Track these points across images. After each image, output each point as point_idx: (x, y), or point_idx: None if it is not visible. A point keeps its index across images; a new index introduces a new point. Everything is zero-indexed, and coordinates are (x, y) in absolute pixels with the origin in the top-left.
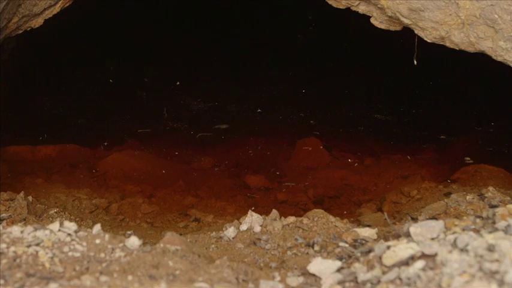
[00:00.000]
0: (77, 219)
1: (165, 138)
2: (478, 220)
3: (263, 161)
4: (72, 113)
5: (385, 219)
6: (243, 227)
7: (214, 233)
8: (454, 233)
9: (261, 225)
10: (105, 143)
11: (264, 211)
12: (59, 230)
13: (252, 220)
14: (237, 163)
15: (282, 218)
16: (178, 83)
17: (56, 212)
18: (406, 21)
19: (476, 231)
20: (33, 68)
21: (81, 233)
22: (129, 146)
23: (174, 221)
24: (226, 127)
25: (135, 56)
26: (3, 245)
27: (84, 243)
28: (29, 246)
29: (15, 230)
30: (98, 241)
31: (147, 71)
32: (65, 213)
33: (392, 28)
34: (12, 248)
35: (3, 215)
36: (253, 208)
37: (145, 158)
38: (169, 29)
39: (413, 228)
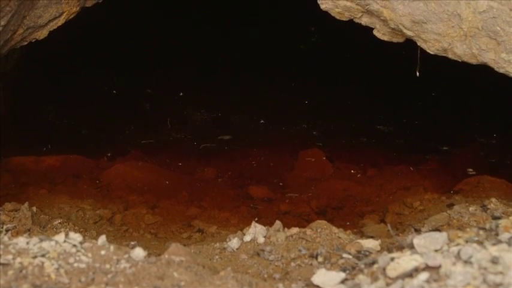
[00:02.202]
0: (81, 229)
1: (168, 149)
2: (481, 232)
3: (266, 171)
4: (75, 123)
5: (388, 230)
6: (247, 238)
7: (218, 244)
8: (458, 244)
9: (265, 236)
10: (109, 154)
11: (267, 222)
12: (65, 241)
13: (256, 231)
14: (240, 174)
15: (286, 229)
16: (181, 93)
17: (60, 223)
18: (408, 33)
19: (480, 243)
20: (37, 78)
21: (86, 244)
22: (132, 156)
23: (178, 231)
24: (229, 138)
25: (138, 66)
26: (10, 256)
27: (90, 255)
28: (34, 257)
29: (21, 241)
30: (103, 252)
31: (150, 81)
32: (69, 224)
33: (395, 40)
34: (18, 259)
35: (8, 225)
36: (256, 219)
37: (149, 168)
38: (172, 40)
39: (417, 240)
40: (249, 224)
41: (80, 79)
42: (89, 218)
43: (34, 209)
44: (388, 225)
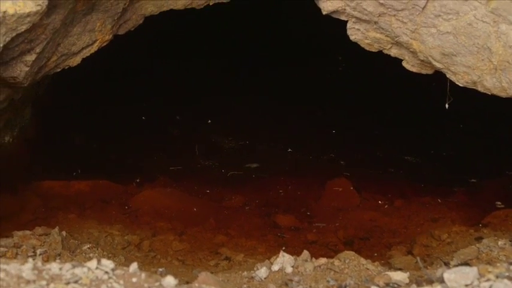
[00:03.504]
0: (110, 255)
1: (196, 176)
2: (511, 267)
3: (293, 200)
4: (105, 148)
5: (417, 262)
6: (275, 268)
7: (245, 272)
8: (488, 280)
9: (293, 266)
10: (137, 180)
11: (294, 251)
12: (97, 268)
13: (284, 261)
14: (267, 202)
15: (313, 259)
16: (209, 121)
17: (89, 248)
18: (438, 65)
19: (510, 278)
20: (68, 103)
21: (118, 271)
22: (160, 183)
23: (205, 259)
24: (257, 166)
25: (167, 93)
26: (43, 282)
27: (121, 282)
28: (67, 283)
29: (54, 266)
30: (134, 280)
31: (179, 108)
32: (97, 249)
33: (423, 71)
34: (52, 285)
35: (39, 250)
36: (283, 248)
37: (177, 195)
38: (201, 68)
39: (447, 274)
40: (276, 253)
41: (110, 105)
42: (118, 244)
43: (64, 233)
44: (418, 258)
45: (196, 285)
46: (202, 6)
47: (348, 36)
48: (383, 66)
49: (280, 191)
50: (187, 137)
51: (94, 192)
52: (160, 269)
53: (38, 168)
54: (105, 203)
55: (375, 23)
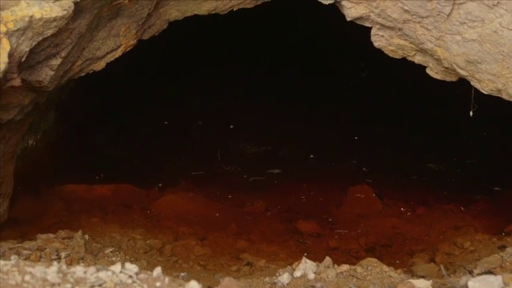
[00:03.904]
0: (132, 259)
1: (218, 181)
2: None
3: (315, 206)
4: (127, 153)
5: (439, 270)
6: (297, 274)
7: (267, 278)
8: None
9: (315, 272)
10: (159, 184)
11: (315, 257)
12: (121, 272)
13: (306, 267)
14: (289, 208)
15: (335, 265)
16: (231, 126)
17: (111, 252)
18: (462, 72)
19: None
20: (91, 107)
21: (141, 275)
22: (182, 187)
23: (227, 264)
24: (279, 172)
25: (189, 98)
26: (68, 285)
27: (145, 286)
28: (92, 286)
29: (79, 270)
30: (158, 284)
31: (201, 113)
32: (120, 253)
33: (448, 79)
34: None
35: (62, 253)
36: (305, 254)
37: (198, 200)
38: (224, 73)
39: (472, 283)
40: (297, 259)
41: (132, 109)
42: (140, 248)
43: (86, 237)
44: (441, 266)
45: None
46: (226, 12)
47: (371, 43)
48: (406, 72)
49: (302, 197)
50: (209, 142)
51: (116, 196)
52: (182, 274)
53: (60, 172)
54: (127, 207)
55: (399, 29)
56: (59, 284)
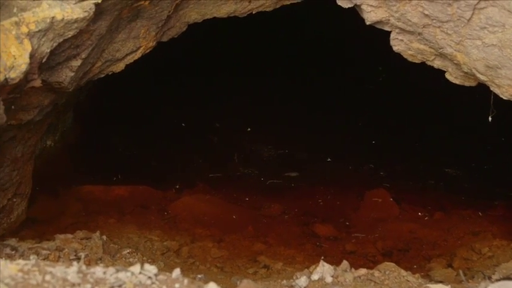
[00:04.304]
0: (149, 260)
1: (235, 184)
2: None
3: (332, 210)
4: (144, 154)
5: (457, 275)
6: (315, 277)
7: (285, 281)
8: None
9: (333, 276)
10: (177, 186)
11: (332, 261)
12: (140, 273)
13: (324, 270)
14: (306, 211)
15: (353, 269)
16: (249, 129)
17: (128, 253)
18: (482, 77)
19: None
20: (108, 109)
21: (161, 277)
22: (199, 189)
23: (244, 266)
24: (296, 175)
25: (207, 101)
26: (88, 285)
27: (164, 287)
28: (111, 287)
29: (98, 270)
30: (177, 285)
31: (218, 116)
32: (137, 254)
33: (467, 83)
34: None
35: (81, 253)
36: (322, 257)
37: (216, 202)
38: (242, 77)
39: None
40: (314, 262)
41: (150, 111)
42: (157, 249)
43: (104, 237)
44: (460, 271)
45: None
46: (245, 15)
47: (388, 47)
48: (423, 77)
49: (319, 200)
50: (226, 144)
51: (133, 197)
52: (199, 276)
53: (78, 173)
54: (145, 208)
55: (419, 34)
56: (79, 284)
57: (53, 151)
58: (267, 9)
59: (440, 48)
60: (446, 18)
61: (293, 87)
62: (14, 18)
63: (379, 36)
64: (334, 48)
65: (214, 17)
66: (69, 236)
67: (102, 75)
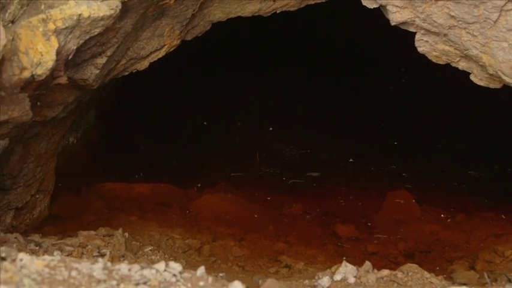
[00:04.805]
0: (171, 258)
1: (256, 183)
2: None
3: (353, 211)
4: (166, 152)
5: (479, 278)
6: (337, 277)
7: (307, 281)
8: None
9: (355, 276)
10: (198, 185)
11: (353, 261)
12: (165, 270)
13: (346, 270)
14: (327, 211)
15: (375, 270)
16: (271, 128)
17: (150, 250)
18: (507, 80)
19: None
20: (130, 106)
21: (185, 274)
22: (221, 188)
23: (265, 266)
24: (318, 175)
25: (229, 99)
26: (114, 282)
27: (189, 285)
28: (137, 284)
29: (123, 267)
30: (201, 283)
31: (240, 115)
32: (159, 252)
33: (492, 85)
34: (122, 286)
35: (104, 250)
36: (344, 258)
37: (237, 201)
38: (265, 76)
39: None
40: (336, 262)
41: (172, 109)
42: (178, 247)
43: (126, 235)
44: (485, 273)
45: None
46: (269, 14)
47: (410, 48)
48: (446, 78)
49: (341, 200)
50: (248, 143)
51: (155, 195)
52: (220, 274)
53: (100, 170)
54: (166, 206)
55: (444, 35)
56: (104, 281)
57: (75, 148)
58: (291, 9)
59: (465, 50)
60: (472, 20)
61: (316, 87)
62: (42, 15)
63: (401, 37)
64: (356, 50)
65: (239, 16)
66: (92, 232)
67: (126, 73)
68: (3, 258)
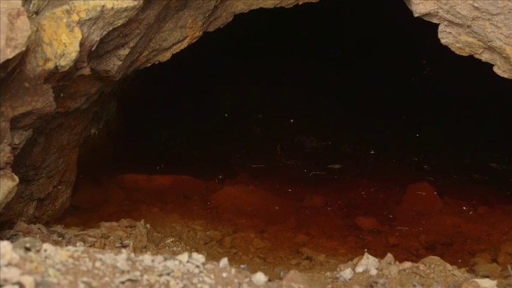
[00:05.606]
0: (192, 249)
1: (277, 175)
2: None
3: (375, 203)
4: (187, 144)
5: (502, 270)
6: (359, 269)
7: (329, 273)
8: None
9: (377, 269)
10: (220, 176)
11: (375, 254)
12: (188, 261)
13: (368, 263)
14: (349, 203)
15: (397, 262)
16: (292, 120)
17: (172, 242)
18: None
19: None
20: (151, 98)
21: (208, 266)
22: (242, 180)
23: (286, 257)
24: (339, 167)
25: (251, 92)
26: (137, 273)
27: (212, 276)
28: (160, 275)
29: (147, 258)
30: (224, 275)
31: (261, 107)
32: (180, 243)
33: None
34: (146, 276)
35: (126, 241)
36: (365, 250)
37: (258, 193)
38: (285, 69)
39: None
40: (357, 255)
41: (193, 101)
42: (200, 239)
43: (148, 226)
44: (508, 266)
45: (285, 282)
46: (291, 5)
47: (433, 40)
48: (468, 70)
49: (362, 192)
50: (269, 135)
51: (176, 187)
52: (242, 266)
53: (121, 162)
54: (187, 198)
55: (468, 26)
56: (128, 272)
57: (97, 139)
58: (313, 1)
59: (489, 42)
60: (496, 11)
61: (337, 79)
62: (66, 6)
63: (423, 29)
64: (378, 42)
65: (261, 7)
66: (114, 223)
67: (149, 65)
68: (28, 249)
